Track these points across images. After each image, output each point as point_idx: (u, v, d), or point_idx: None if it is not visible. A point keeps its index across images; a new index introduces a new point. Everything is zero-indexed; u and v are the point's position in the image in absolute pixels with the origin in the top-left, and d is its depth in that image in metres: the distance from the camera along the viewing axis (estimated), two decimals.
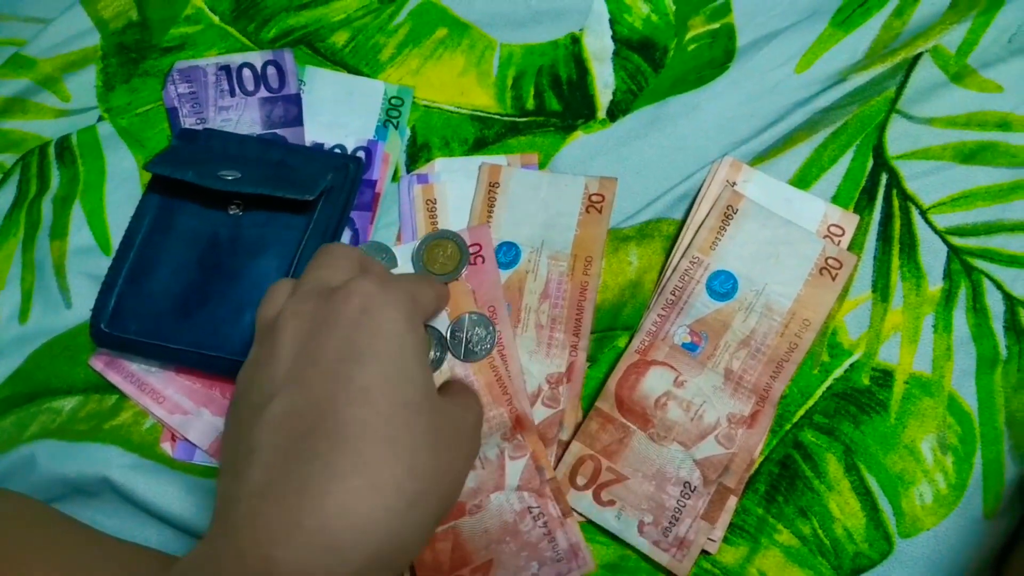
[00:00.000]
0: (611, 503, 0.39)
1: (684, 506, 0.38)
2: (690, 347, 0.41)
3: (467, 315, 0.41)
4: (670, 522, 0.38)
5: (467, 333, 0.41)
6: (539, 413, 0.41)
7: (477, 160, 0.46)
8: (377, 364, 0.27)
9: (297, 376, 0.28)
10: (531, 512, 0.38)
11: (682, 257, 0.42)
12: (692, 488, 0.38)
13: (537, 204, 0.44)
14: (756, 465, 0.40)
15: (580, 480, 0.39)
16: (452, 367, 0.41)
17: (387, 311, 0.29)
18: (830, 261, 0.41)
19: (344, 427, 0.26)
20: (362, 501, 0.25)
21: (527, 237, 0.43)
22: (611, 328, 0.43)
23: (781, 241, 0.42)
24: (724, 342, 0.41)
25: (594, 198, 0.44)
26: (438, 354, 0.41)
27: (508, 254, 0.43)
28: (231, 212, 0.43)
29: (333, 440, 0.26)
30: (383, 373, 0.27)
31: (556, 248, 0.43)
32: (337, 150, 0.46)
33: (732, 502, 0.39)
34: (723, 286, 0.41)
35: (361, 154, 0.46)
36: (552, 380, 0.41)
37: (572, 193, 0.44)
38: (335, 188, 0.43)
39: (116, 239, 0.45)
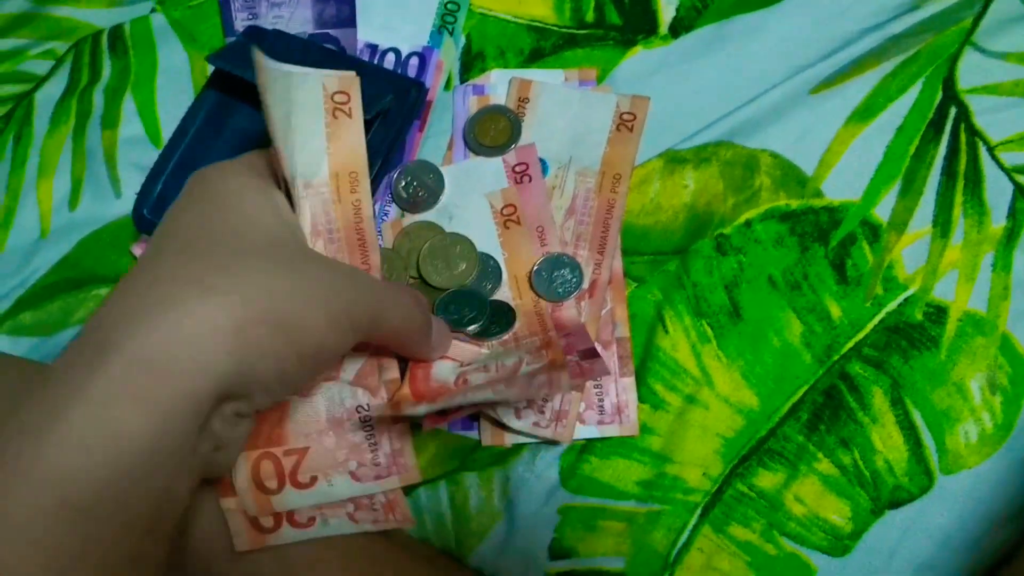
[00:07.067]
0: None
1: None
2: None
3: (556, 254, 0.40)
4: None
5: (552, 272, 0.40)
6: None
7: (535, 72, 0.45)
8: None
9: None
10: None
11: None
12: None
13: (567, 120, 0.43)
14: (800, 397, 0.39)
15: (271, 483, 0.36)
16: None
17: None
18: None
19: None
20: None
21: (555, 153, 0.43)
22: (660, 252, 0.42)
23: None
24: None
25: (625, 116, 0.43)
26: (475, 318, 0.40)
27: None
28: None
29: None
30: None
31: (584, 164, 0.42)
32: (391, 54, 0.45)
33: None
34: None
35: (415, 61, 0.45)
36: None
37: (603, 110, 0.43)
38: (392, 111, 0.42)
39: (166, 132, 0.45)
